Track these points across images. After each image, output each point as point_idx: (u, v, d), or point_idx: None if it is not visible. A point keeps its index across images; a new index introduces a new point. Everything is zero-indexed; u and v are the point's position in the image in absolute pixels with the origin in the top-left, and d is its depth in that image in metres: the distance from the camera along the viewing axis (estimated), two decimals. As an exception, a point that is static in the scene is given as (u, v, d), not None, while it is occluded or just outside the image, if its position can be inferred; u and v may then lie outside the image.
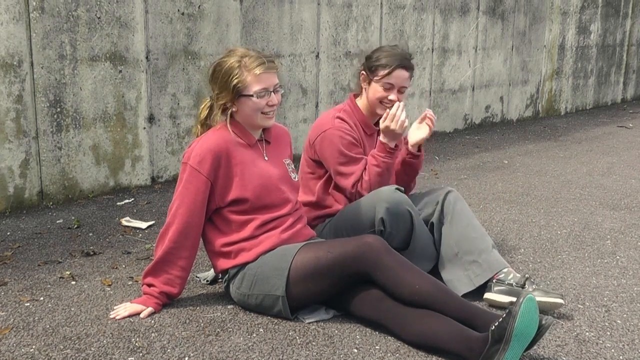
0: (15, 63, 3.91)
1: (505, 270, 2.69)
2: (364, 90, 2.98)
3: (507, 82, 8.15)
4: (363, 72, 2.95)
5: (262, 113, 2.52)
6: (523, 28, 8.19)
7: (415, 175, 3.09)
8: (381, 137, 2.85)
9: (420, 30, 6.76)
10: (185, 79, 4.78)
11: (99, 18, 4.25)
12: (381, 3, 6.26)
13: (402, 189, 2.79)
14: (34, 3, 3.95)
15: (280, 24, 5.38)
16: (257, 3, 5.17)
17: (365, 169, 2.84)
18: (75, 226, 3.72)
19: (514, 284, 2.63)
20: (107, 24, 4.30)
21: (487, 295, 2.67)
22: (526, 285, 2.62)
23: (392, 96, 2.88)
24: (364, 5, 6.09)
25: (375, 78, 2.90)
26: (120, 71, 4.41)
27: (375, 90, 2.91)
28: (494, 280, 2.68)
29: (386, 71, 2.87)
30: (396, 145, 2.88)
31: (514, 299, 2.60)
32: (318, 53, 5.74)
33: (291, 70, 5.55)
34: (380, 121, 2.84)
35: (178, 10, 4.67)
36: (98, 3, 4.23)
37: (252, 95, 2.48)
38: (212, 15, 4.87)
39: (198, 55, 4.83)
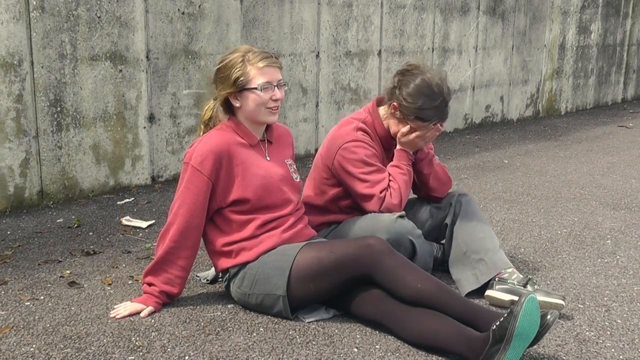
0: (15, 62, 3.91)
1: (509, 270, 2.71)
2: (391, 114, 2.81)
3: (508, 82, 8.15)
4: (396, 104, 2.75)
5: (266, 108, 2.51)
6: (523, 28, 8.19)
7: (428, 178, 2.95)
8: (400, 146, 2.82)
9: (421, 30, 6.76)
10: (185, 79, 4.78)
11: (99, 17, 4.25)
12: (381, 3, 6.26)
13: (404, 214, 2.71)
14: (34, 2, 3.95)
15: (280, 23, 5.38)
16: (258, 2, 5.17)
17: (391, 178, 2.78)
18: (75, 225, 3.72)
19: (515, 283, 2.64)
20: (107, 24, 4.30)
21: (488, 292, 2.68)
22: (528, 286, 2.63)
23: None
24: (364, 5, 6.09)
25: (410, 122, 2.76)
26: (121, 70, 4.42)
27: (404, 131, 2.79)
28: (496, 279, 2.69)
29: (425, 124, 2.75)
30: (416, 152, 2.87)
31: (514, 298, 2.61)
32: (318, 52, 5.74)
33: (291, 69, 5.54)
34: (401, 134, 2.78)
35: (178, 9, 4.67)
36: (98, 2, 4.23)
37: (255, 88, 2.48)
38: (212, 15, 4.88)
39: (198, 54, 4.83)
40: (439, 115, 2.75)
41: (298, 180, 2.70)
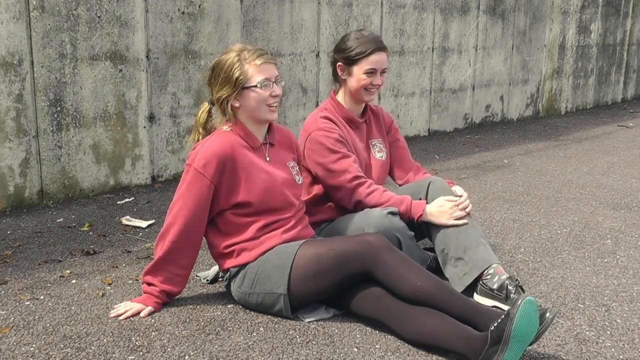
0: (15, 62, 3.91)
1: (491, 271, 2.63)
2: (342, 83, 2.95)
3: (508, 82, 8.15)
4: (340, 64, 2.92)
5: (266, 105, 2.51)
6: (523, 27, 8.19)
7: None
8: (422, 210, 2.76)
9: (421, 30, 6.76)
10: (185, 78, 4.78)
11: (99, 17, 4.25)
12: (381, 2, 6.25)
13: (396, 210, 2.73)
14: (35, 2, 3.95)
15: (280, 23, 5.37)
16: (258, 2, 5.17)
17: (376, 187, 2.80)
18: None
19: (495, 289, 2.58)
20: (107, 23, 4.30)
21: (474, 296, 2.65)
22: (508, 288, 2.55)
23: (377, 80, 2.88)
24: (364, 5, 6.09)
25: (356, 67, 2.87)
26: (121, 70, 4.41)
27: (359, 78, 2.88)
28: (481, 281, 2.64)
29: (366, 57, 2.85)
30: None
31: (497, 304, 2.56)
32: (318, 52, 5.74)
33: (291, 69, 5.54)
34: (447, 206, 2.76)
35: (178, 9, 4.66)
36: (98, 2, 4.23)
37: (255, 86, 2.48)
38: (212, 15, 4.87)
39: (198, 54, 4.83)
40: (375, 42, 2.86)
41: (301, 182, 2.70)
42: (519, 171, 5.37)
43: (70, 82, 4.18)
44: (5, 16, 3.84)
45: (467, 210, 2.78)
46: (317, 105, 5.80)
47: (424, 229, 2.87)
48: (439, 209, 2.76)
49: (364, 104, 3.03)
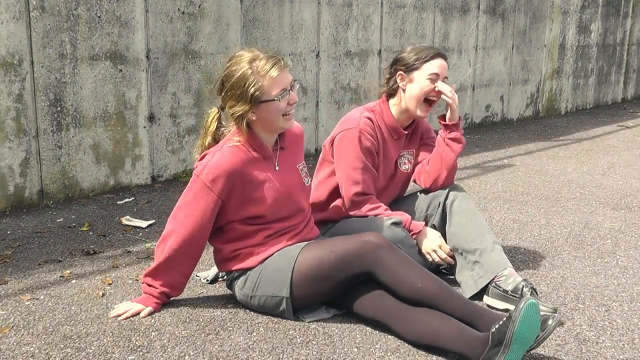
0: (15, 62, 3.91)
1: (505, 272, 2.65)
2: (401, 92, 2.88)
3: (508, 82, 8.15)
4: (400, 72, 2.86)
5: (283, 116, 2.45)
6: (523, 27, 8.19)
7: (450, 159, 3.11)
8: (421, 227, 2.83)
9: (421, 30, 6.76)
10: (185, 78, 4.78)
11: (99, 17, 4.25)
12: (381, 2, 6.25)
13: (400, 220, 2.73)
14: (35, 2, 3.94)
15: (280, 23, 5.37)
16: (258, 2, 5.17)
17: (381, 210, 2.81)
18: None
19: (509, 290, 2.59)
20: (107, 23, 4.30)
21: (485, 299, 2.66)
22: (524, 291, 2.57)
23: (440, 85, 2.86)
24: (364, 5, 6.08)
25: (417, 72, 2.82)
26: (121, 70, 4.41)
27: (421, 85, 2.82)
28: (493, 283, 2.65)
29: (428, 61, 2.82)
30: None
31: (509, 306, 2.56)
32: (318, 52, 5.74)
33: (291, 69, 5.54)
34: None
35: (178, 9, 4.66)
36: (98, 2, 4.23)
37: (273, 100, 2.40)
38: (212, 15, 4.87)
39: (198, 54, 4.83)
40: (435, 50, 2.89)
41: (309, 184, 2.67)
42: (519, 171, 5.37)
43: (70, 82, 4.18)
44: (5, 16, 3.84)
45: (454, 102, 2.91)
46: (317, 105, 5.81)
47: (437, 227, 2.89)
48: (431, 245, 2.79)
49: (409, 121, 2.98)
